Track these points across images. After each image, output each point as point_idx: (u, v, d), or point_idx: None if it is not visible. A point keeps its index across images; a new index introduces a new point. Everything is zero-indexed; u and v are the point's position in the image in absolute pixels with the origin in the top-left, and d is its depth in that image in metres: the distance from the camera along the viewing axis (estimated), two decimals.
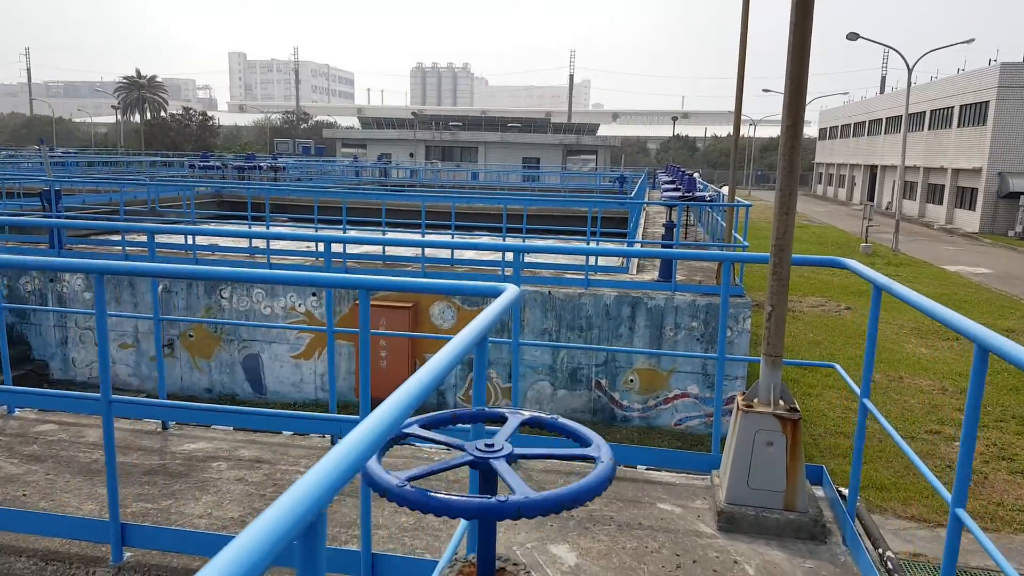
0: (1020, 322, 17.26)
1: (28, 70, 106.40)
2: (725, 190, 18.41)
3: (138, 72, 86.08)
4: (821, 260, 3.95)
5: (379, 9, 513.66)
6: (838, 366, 4.07)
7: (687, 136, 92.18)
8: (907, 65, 32.97)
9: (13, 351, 11.72)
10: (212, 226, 16.94)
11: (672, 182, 21.53)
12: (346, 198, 14.28)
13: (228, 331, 11.35)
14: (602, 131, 66.26)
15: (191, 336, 11.46)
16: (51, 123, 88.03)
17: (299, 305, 11.07)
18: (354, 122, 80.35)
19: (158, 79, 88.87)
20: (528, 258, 13.36)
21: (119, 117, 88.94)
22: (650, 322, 10.03)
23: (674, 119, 62.14)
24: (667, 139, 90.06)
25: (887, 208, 53.99)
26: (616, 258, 12.89)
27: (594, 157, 54.51)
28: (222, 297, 11.25)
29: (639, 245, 13.01)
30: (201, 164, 28.55)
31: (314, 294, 11.01)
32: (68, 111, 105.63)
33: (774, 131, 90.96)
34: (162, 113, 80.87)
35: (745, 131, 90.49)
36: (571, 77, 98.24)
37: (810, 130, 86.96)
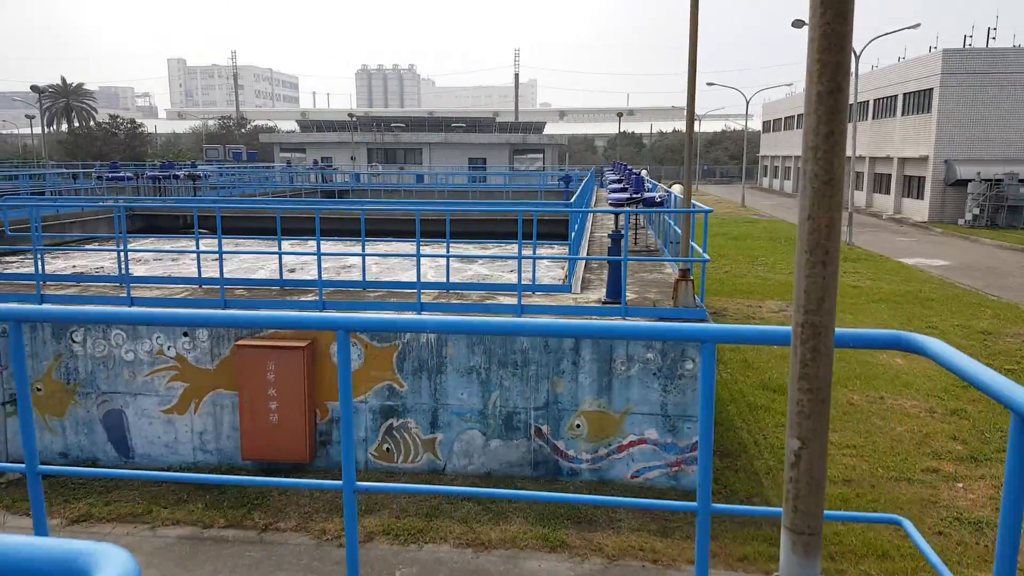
0: (995, 322, 16.10)
1: None
2: (676, 189, 16.83)
3: (63, 79, 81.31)
4: (881, 338, 2.17)
5: (324, 11, 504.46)
6: (906, 523, 2.30)
7: (633, 133, 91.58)
8: (854, 53, 32.11)
9: None
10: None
11: (619, 181, 19.92)
12: (234, 209, 12.17)
13: (84, 383, 9.19)
14: (549, 129, 64.83)
15: (39, 390, 9.28)
16: None
17: (167, 348, 9.00)
18: (295, 126, 77.30)
19: (85, 86, 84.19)
20: (454, 275, 11.50)
21: (43, 128, 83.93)
22: (597, 355, 8.27)
23: (619, 115, 61.03)
24: (614, 136, 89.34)
25: None
26: (558, 272, 11.15)
27: (541, 156, 52.94)
28: (73, 341, 9.10)
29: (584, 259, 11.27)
30: (110, 175, 25.86)
31: (185, 333, 8.94)
32: (5, 123, 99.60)
33: (718, 126, 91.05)
34: (90, 123, 76.43)
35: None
36: (516, 76, 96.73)
37: (754, 123, 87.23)
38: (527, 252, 11.47)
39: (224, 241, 9.56)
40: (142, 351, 9.04)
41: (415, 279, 10.05)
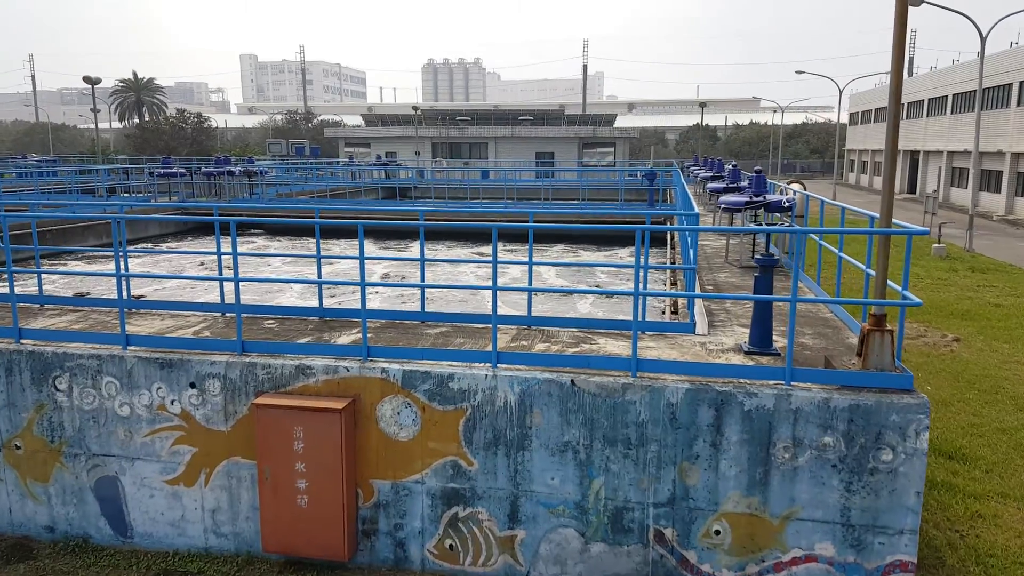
0: None
1: (32, 77, 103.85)
2: (794, 188, 14.03)
3: (134, 74, 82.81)
4: None
5: (392, 6, 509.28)
6: None
7: (707, 125, 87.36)
8: (980, 33, 28.22)
9: None
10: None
11: (719, 178, 17.13)
12: (318, 210, 10.10)
13: (71, 443, 7.26)
14: (619, 123, 61.82)
15: (17, 448, 7.39)
16: (56, 130, 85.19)
17: (171, 402, 6.95)
18: (360, 121, 76.51)
19: (156, 81, 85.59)
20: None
21: (114, 122, 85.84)
22: (749, 434, 5.79)
23: (701, 106, 57.62)
24: (686, 129, 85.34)
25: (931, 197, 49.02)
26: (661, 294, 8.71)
27: (612, 150, 50.10)
28: (57, 389, 7.16)
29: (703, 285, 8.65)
30: (161, 171, 24.57)
31: (193, 384, 6.87)
32: (82, 118, 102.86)
33: (798, 118, 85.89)
34: (160, 116, 77.44)
35: (768, 118, 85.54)
36: (584, 68, 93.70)
37: (834, 115, 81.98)
38: (607, 266, 8.98)
39: (254, 247, 7.56)
40: (140, 405, 7.02)
41: (481, 306, 7.76)
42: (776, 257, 6.66)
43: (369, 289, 11.24)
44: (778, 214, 11.23)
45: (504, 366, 6.43)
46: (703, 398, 5.87)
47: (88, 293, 13.23)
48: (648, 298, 10.05)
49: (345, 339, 7.28)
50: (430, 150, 52.57)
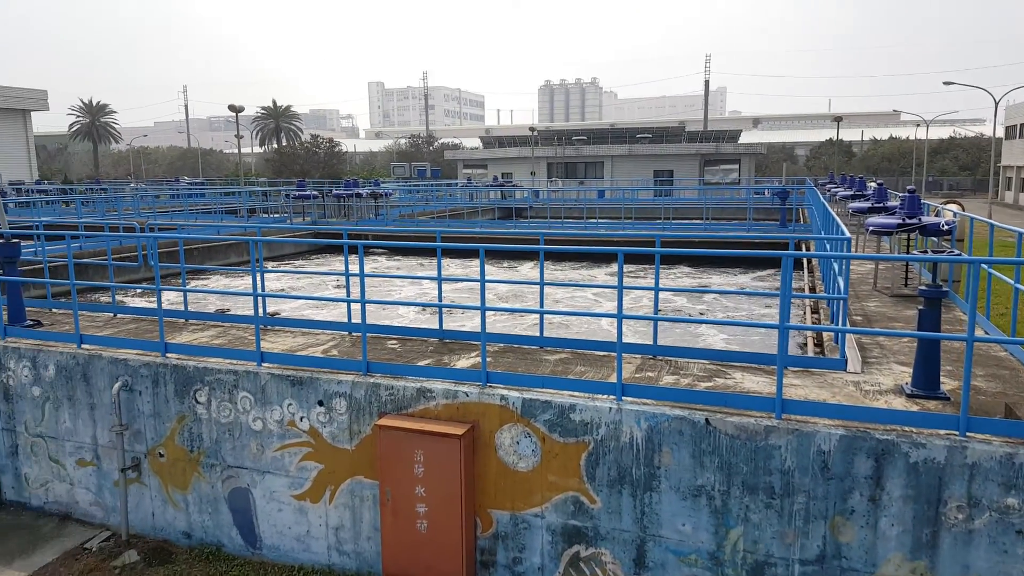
0: None
1: (185, 106, 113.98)
2: (951, 208, 12.80)
3: (274, 102, 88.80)
4: None
5: (510, 31, 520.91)
6: None
7: (841, 140, 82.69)
8: None
9: None
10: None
11: (861, 196, 15.95)
12: (439, 231, 10.24)
13: (208, 453, 7.56)
14: (744, 138, 59.68)
15: (161, 456, 7.79)
16: (205, 155, 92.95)
17: (300, 419, 7.08)
18: (478, 143, 78.24)
19: (293, 108, 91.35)
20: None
21: (255, 147, 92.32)
22: (914, 489, 5.13)
23: (837, 120, 54.56)
24: (818, 145, 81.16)
25: None
26: (762, 311, 8.06)
27: (736, 167, 48.34)
28: (197, 401, 7.49)
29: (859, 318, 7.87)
30: (296, 193, 25.99)
31: (321, 402, 6.97)
32: (227, 143, 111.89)
33: (945, 132, 79.56)
34: (296, 142, 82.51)
35: (910, 132, 79.71)
36: (706, 83, 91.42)
37: (990, 128, 75.22)
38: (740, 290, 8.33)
39: (378, 266, 7.64)
40: (271, 420, 7.21)
41: (600, 330, 7.44)
42: (945, 288, 5.93)
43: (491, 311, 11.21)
44: (934, 238, 10.20)
45: (629, 399, 6.07)
46: (860, 446, 5.26)
47: (228, 309, 14.02)
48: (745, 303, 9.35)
49: (464, 362, 7.18)
50: (545, 170, 52.81)
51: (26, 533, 8.11)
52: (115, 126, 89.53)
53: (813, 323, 10.38)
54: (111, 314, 9.69)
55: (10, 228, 8.97)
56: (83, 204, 28.15)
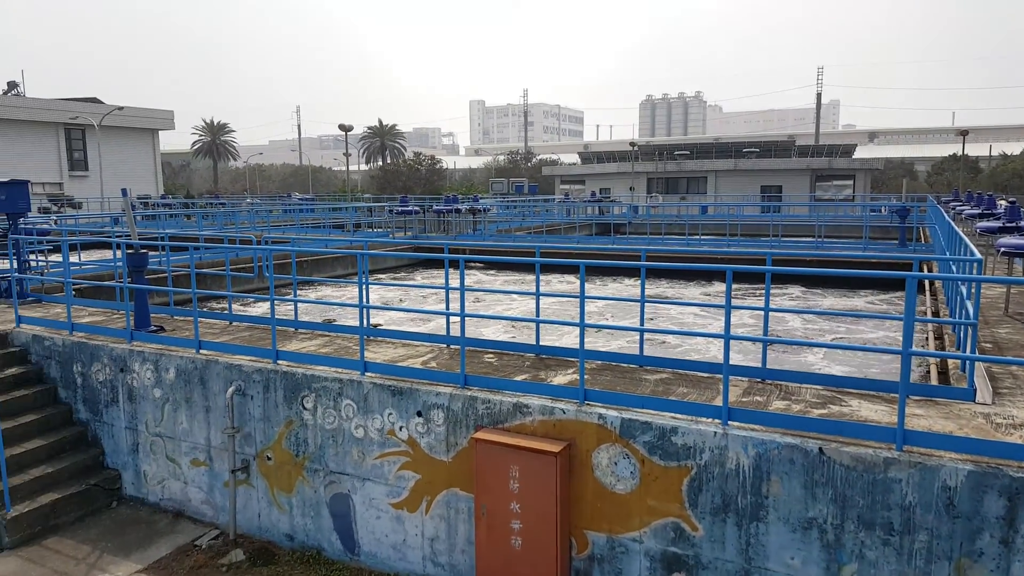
0: None
1: (298, 126, 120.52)
2: None
3: (380, 121, 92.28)
4: None
5: (611, 48, 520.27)
6: None
7: (966, 155, 77.20)
8: None
9: (85, 456, 9.31)
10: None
11: (991, 215, 14.80)
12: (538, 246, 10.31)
13: (312, 458, 7.82)
14: (858, 153, 56.82)
15: (269, 459, 8.13)
16: (315, 172, 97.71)
17: (399, 428, 7.21)
18: (577, 159, 78.31)
19: (397, 127, 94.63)
20: (768, 357, 8.34)
21: (361, 164, 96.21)
22: None
23: (963, 134, 51.05)
24: (940, 160, 76.11)
25: None
26: (872, 334, 7.50)
27: (850, 183, 46.03)
28: (304, 408, 7.77)
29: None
30: (399, 209, 26.83)
31: (420, 413, 7.08)
32: (336, 161, 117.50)
33: None
34: (400, 159, 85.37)
35: None
36: (818, 95, 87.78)
37: None
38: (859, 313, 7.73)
39: (472, 281, 7.71)
40: (373, 428, 7.38)
41: (702, 351, 7.18)
42: None
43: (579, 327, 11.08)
44: None
45: (736, 424, 5.81)
46: (991, 484, 4.80)
47: (335, 319, 14.56)
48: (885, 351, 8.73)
49: (561, 379, 7.10)
50: (645, 185, 52.10)
51: (143, 527, 8.63)
52: (233, 144, 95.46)
53: (937, 349, 9.65)
54: (227, 322, 10.25)
55: (139, 239, 9.63)
56: (204, 218, 30.14)
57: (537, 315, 8.23)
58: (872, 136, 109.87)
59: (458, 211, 27.22)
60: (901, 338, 5.53)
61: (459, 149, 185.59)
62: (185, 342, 8.87)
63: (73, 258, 15.50)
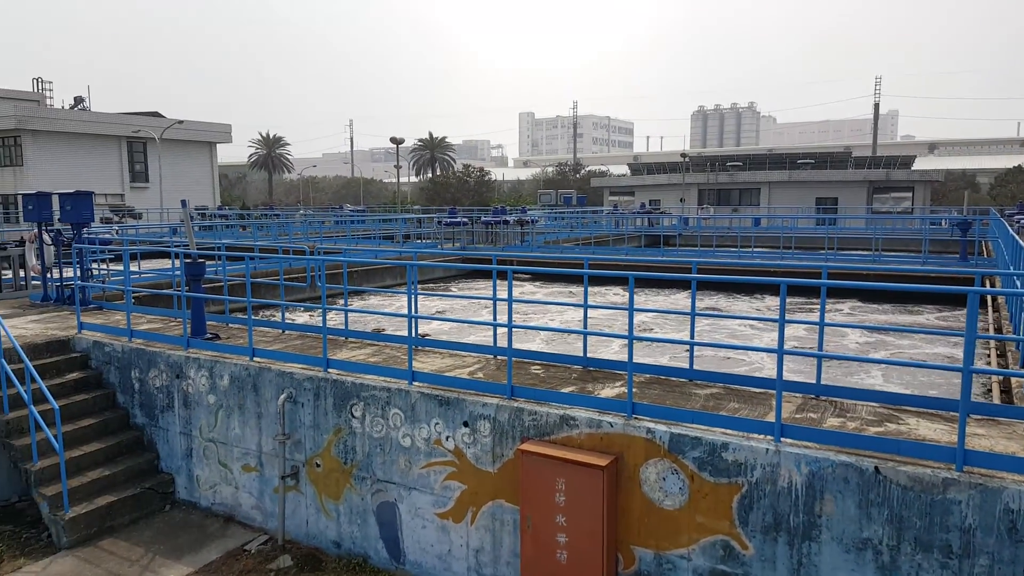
0: None
1: (351, 139, 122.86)
2: None
3: (430, 134, 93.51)
4: None
5: (662, 58, 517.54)
6: None
7: None
8: None
9: (140, 459, 9.61)
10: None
11: None
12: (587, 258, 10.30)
13: (359, 466, 7.92)
14: (917, 164, 55.11)
15: (318, 466, 8.26)
16: (366, 184, 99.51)
17: (446, 438, 7.25)
18: (626, 170, 77.86)
19: (447, 139, 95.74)
20: (823, 373, 8.14)
21: (412, 176, 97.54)
22: None
23: None
24: (1004, 172, 73.25)
25: None
26: (925, 349, 7.20)
27: (909, 195, 44.65)
28: (353, 416, 7.88)
29: None
30: (448, 220, 27.10)
31: (467, 423, 7.11)
32: (387, 173, 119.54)
33: None
34: (449, 171, 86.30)
35: None
36: (876, 106, 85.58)
37: None
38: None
39: (516, 290, 7.71)
40: (419, 437, 7.44)
41: (751, 365, 7.01)
42: None
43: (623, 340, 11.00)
44: None
45: (789, 441, 5.66)
46: None
47: (384, 329, 14.75)
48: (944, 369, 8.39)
49: (608, 391, 7.04)
50: (696, 197, 51.46)
51: (195, 531, 8.85)
52: (288, 157, 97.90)
53: (1000, 367, 9.25)
54: (280, 330, 10.48)
55: (196, 249, 9.95)
56: (258, 228, 30.94)
57: (585, 327, 8.19)
58: (932, 147, 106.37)
59: (506, 222, 27.34)
60: (962, 355, 5.32)
61: (508, 161, 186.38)
62: (239, 349, 9.09)
63: (133, 267, 16.10)
